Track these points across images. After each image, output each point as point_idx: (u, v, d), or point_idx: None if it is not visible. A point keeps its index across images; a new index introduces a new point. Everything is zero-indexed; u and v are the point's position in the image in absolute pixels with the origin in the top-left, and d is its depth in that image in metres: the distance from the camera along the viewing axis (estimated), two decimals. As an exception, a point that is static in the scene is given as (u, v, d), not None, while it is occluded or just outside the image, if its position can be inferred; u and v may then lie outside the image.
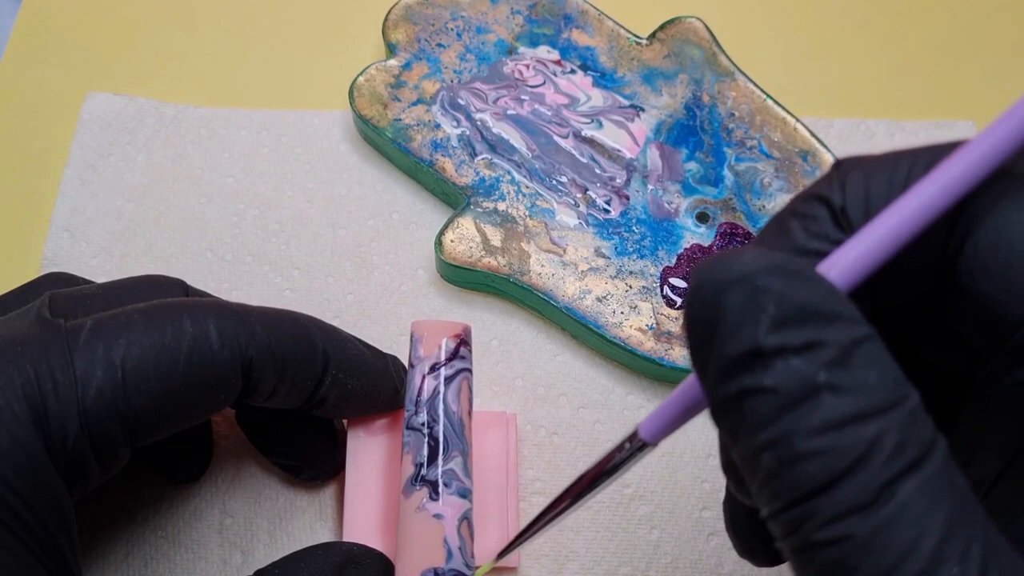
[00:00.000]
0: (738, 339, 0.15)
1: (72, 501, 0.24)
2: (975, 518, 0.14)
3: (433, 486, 0.27)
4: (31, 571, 0.22)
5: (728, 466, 0.20)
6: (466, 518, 0.27)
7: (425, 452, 0.27)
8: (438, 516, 0.26)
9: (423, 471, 0.27)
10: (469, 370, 0.28)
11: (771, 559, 0.22)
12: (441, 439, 0.27)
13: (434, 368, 0.28)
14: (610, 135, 0.37)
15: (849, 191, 0.18)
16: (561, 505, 0.22)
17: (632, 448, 0.20)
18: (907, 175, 0.17)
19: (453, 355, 0.28)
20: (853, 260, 0.16)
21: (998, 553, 0.14)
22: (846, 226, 0.18)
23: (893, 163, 0.18)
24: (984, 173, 0.16)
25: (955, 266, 0.17)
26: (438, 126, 0.37)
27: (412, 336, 0.29)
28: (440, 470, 0.27)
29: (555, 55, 0.39)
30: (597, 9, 0.40)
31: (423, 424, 0.27)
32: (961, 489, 0.14)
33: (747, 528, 0.22)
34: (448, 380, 0.28)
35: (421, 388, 0.28)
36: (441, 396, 0.28)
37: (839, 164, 0.18)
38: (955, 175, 0.16)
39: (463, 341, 0.28)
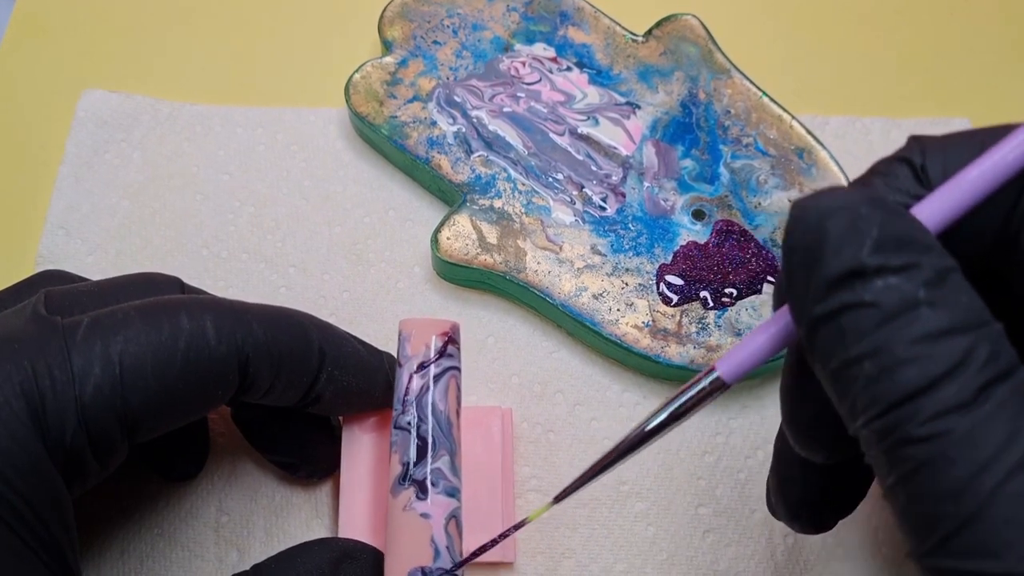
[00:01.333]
0: (841, 259, 0.16)
1: (71, 499, 0.24)
2: None
3: (420, 485, 0.26)
4: (33, 569, 0.22)
5: (792, 418, 0.21)
6: (454, 517, 0.27)
7: (412, 451, 0.27)
8: (425, 515, 0.26)
9: (410, 470, 0.27)
10: (457, 368, 0.28)
11: (815, 526, 0.24)
12: (429, 438, 0.27)
13: (422, 367, 0.28)
14: (606, 132, 0.37)
15: (929, 154, 0.19)
16: (624, 445, 0.22)
17: (709, 387, 0.20)
18: (982, 145, 0.19)
19: (441, 353, 0.28)
20: (936, 210, 0.18)
21: None
22: (926, 182, 0.19)
23: (968, 136, 0.19)
24: None
25: (1021, 233, 0.18)
26: (434, 123, 0.37)
27: (400, 334, 0.29)
28: (428, 469, 0.27)
29: (551, 52, 0.39)
30: (593, 6, 0.40)
31: (410, 423, 0.27)
32: None
33: (796, 492, 0.23)
34: (436, 378, 0.28)
35: (408, 387, 0.28)
36: (429, 395, 0.27)
37: (916, 137, 0.20)
38: None
39: (451, 339, 0.28)
